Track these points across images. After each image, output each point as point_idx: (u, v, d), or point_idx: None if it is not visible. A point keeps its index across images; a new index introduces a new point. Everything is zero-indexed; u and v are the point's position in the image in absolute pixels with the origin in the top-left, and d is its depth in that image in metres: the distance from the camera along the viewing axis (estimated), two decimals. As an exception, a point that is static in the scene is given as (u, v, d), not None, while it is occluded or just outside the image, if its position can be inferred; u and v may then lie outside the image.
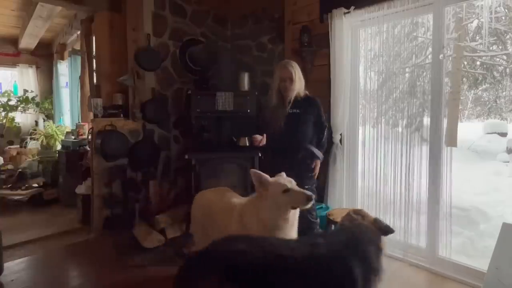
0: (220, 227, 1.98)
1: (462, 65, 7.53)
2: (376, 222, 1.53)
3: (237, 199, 2.03)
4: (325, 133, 2.56)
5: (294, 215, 1.79)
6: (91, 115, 3.43)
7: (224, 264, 1.21)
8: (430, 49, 2.58)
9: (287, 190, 1.70)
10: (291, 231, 1.80)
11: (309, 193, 1.67)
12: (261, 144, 2.47)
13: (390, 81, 2.67)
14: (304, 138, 2.43)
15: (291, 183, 1.76)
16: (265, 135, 2.47)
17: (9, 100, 5.83)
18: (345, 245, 1.33)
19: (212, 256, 1.27)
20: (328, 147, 2.92)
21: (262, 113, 2.57)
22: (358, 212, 1.62)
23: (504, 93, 8.65)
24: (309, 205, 1.71)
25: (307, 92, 2.52)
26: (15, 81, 6.21)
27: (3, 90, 6.05)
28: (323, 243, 1.33)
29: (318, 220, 2.55)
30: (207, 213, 2.09)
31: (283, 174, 1.86)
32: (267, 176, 1.79)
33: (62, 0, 3.42)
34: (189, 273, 1.25)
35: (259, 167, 3.08)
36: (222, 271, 1.18)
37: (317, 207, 2.69)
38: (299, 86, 2.42)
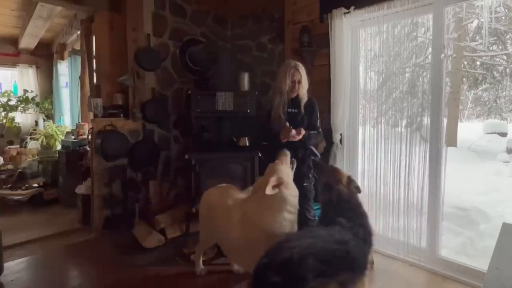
0: (219, 226, 2.01)
1: (462, 65, 7.54)
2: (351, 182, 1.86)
3: (239, 196, 2.07)
4: (316, 138, 2.52)
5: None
6: (91, 115, 3.43)
7: (309, 261, 1.30)
8: (430, 49, 2.57)
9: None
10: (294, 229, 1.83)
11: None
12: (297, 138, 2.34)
13: (390, 81, 2.67)
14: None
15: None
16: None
17: (9, 100, 5.83)
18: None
19: (296, 259, 1.30)
20: (327, 147, 2.93)
21: (265, 112, 2.56)
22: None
23: (504, 93, 8.66)
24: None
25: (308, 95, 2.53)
26: (15, 81, 6.21)
27: (3, 90, 6.05)
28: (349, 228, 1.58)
29: (316, 218, 2.55)
30: (210, 210, 2.14)
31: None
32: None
33: (62, 0, 3.42)
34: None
35: (259, 167, 3.09)
36: (311, 269, 1.29)
37: (315, 206, 2.68)
38: (305, 89, 2.46)
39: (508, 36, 7.45)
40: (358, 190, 1.86)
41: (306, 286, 1.25)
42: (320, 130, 2.58)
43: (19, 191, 4.11)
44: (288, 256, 1.30)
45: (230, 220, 1.92)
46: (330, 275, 1.33)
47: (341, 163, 2.92)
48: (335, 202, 1.77)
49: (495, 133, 7.90)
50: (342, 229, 1.56)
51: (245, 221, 1.83)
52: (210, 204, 2.17)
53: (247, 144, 3.21)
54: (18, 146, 5.50)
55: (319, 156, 2.54)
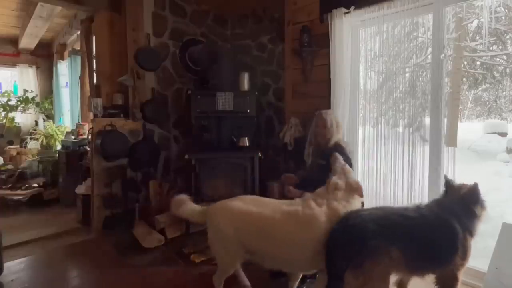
0: (285, 240, 1.78)
1: (462, 65, 7.53)
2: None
3: (289, 206, 1.87)
4: None
5: None
6: (91, 115, 3.43)
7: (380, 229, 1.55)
8: (430, 49, 2.57)
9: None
10: None
11: None
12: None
13: (390, 81, 2.67)
14: None
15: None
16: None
17: (9, 100, 5.83)
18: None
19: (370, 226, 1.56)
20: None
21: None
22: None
23: (504, 93, 8.65)
24: None
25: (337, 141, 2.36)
26: (15, 81, 6.21)
27: (3, 90, 6.05)
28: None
29: None
30: (248, 226, 1.83)
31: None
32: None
33: (62, 0, 3.42)
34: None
35: (259, 167, 3.09)
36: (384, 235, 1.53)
37: None
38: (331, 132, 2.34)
39: (508, 36, 7.44)
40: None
41: (366, 243, 1.52)
42: None
43: (19, 191, 4.11)
44: (353, 222, 1.61)
45: (310, 228, 1.74)
46: (388, 239, 1.53)
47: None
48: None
49: (495, 133, 7.89)
50: (414, 208, 1.70)
51: (334, 219, 1.74)
52: (245, 221, 1.85)
53: (247, 144, 3.21)
54: (18, 146, 5.50)
55: None
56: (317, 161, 2.34)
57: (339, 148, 2.25)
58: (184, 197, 2.07)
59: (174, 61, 3.59)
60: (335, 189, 1.84)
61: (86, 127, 4.22)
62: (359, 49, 2.92)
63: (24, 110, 5.98)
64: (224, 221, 1.86)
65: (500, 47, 7.53)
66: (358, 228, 1.58)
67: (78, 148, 4.05)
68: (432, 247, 1.60)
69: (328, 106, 2.92)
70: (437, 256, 1.62)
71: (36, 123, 5.97)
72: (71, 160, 4.01)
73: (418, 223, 1.60)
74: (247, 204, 1.90)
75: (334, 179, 1.89)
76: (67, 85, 5.86)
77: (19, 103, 5.92)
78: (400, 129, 2.58)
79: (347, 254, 1.56)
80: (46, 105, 6.19)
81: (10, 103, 5.82)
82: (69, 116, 5.77)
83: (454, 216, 1.64)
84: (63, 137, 4.75)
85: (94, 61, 3.80)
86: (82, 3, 3.34)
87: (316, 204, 1.81)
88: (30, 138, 5.48)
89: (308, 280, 2.15)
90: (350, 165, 2.20)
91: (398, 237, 1.56)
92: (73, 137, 4.24)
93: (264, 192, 2.71)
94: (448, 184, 1.82)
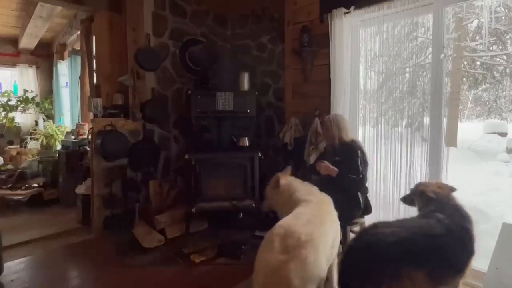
0: None
1: (462, 65, 7.53)
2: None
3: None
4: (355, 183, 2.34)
5: None
6: (91, 115, 3.43)
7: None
8: (430, 49, 2.57)
9: None
10: None
11: None
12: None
13: (390, 81, 2.67)
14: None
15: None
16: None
17: (9, 100, 5.82)
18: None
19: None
20: (327, 147, 2.91)
21: None
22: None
23: (504, 93, 8.66)
24: None
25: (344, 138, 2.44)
26: (15, 81, 6.21)
27: (3, 90, 6.04)
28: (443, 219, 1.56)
29: None
30: None
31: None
32: None
33: (62, 0, 3.42)
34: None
35: (259, 167, 3.09)
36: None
37: None
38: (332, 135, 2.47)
39: (508, 36, 7.44)
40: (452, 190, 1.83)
41: (383, 268, 1.38)
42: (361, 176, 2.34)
43: (19, 191, 4.11)
44: (369, 241, 1.48)
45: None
46: (413, 263, 1.41)
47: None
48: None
49: (495, 133, 7.90)
50: (436, 222, 1.55)
51: None
52: None
53: (247, 144, 3.21)
54: (18, 146, 5.49)
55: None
56: (332, 158, 2.44)
57: (345, 144, 2.40)
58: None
59: (174, 61, 3.59)
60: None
61: (86, 127, 4.22)
62: (359, 49, 2.92)
63: (24, 110, 5.98)
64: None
65: (500, 47, 7.53)
66: (377, 249, 1.44)
67: (78, 148, 4.05)
68: (460, 259, 1.54)
69: (328, 106, 2.92)
70: (462, 266, 1.55)
71: (36, 123, 5.97)
72: (71, 160, 4.01)
73: (446, 242, 1.50)
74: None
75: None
76: (67, 85, 5.86)
77: (19, 103, 5.91)
78: (400, 129, 2.58)
79: (363, 275, 1.43)
80: (46, 105, 6.18)
81: (10, 103, 5.82)
82: (69, 116, 5.77)
83: (464, 218, 1.60)
84: (63, 137, 4.75)
85: (94, 61, 3.80)
86: (82, 3, 3.34)
87: None
88: (30, 138, 5.48)
89: None
90: (354, 157, 2.32)
91: (425, 260, 1.44)
92: (73, 137, 4.24)
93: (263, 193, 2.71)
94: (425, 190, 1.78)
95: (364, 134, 2.88)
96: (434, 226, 1.54)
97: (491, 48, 7.42)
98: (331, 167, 2.33)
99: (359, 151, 2.34)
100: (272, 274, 1.35)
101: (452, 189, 1.79)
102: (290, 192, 1.97)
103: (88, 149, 3.74)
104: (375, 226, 1.59)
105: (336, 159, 2.40)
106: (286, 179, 2.08)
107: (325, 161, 2.38)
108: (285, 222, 1.57)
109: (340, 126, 2.43)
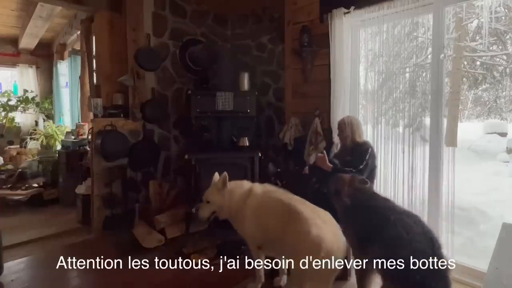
0: None
1: (462, 65, 7.53)
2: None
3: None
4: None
5: None
6: (91, 115, 3.43)
7: None
8: (430, 49, 2.57)
9: None
10: None
11: None
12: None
13: (390, 81, 2.67)
14: None
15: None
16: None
17: (9, 100, 5.83)
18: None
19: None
20: (328, 147, 2.91)
21: None
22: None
23: (504, 93, 8.65)
24: None
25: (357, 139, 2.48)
26: (15, 81, 6.21)
27: (3, 90, 6.05)
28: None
29: None
30: None
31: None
32: None
33: (62, 0, 3.42)
34: None
35: (259, 167, 3.09)
36: None
37: None
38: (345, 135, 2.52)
39: (508, 36, 7.43)
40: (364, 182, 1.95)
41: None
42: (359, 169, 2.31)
43: (19, 191, 4.11)
44: None
45: None
46: None
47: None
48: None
49: (495, 133, 7.89)
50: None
51: None
52: None
53: (247, 144, 3.21)
54: (18, 146, 5.49)
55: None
56: (344, 157, 2.48)
57: (357, 145, 2.45)
58: None
59: (174, 61, 3.59)
60: None
61: (86, 127, 4.22)
62: (359, 49, 2.92)
63: (24, 110, 5.98)
64: None
65: (500, 47, 7.53)
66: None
67: (78, 148, 4.05)
68: None
69: (328, 106, 2.92)
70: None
71: (36, 123, 5.97)
72: (71, 160, 4.01)
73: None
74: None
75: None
76: (67, 85, 5.86)
77: (19, 103, 5.92)
78: (400, 129, 2.58)
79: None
80: (46, 105, 6.19)
81: (10, 103, 5.82)
82: (69, 116, 5.77)
83: None
84: (63, 137, 4.75)
85: (94, 61, 3.80)
86: (82, 3, 3.34)
87: None
88: (30, 138, 5.48)
89: None
90: (360, 159, 2.33)
91: None
92: (73, 137, 4.24)
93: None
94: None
95: (364, 134, 2.88)
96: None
97: (491, 48, 7.41)
98: (327, 162, 2.37)
99: (369, 149, 2.39)
100: (337, 239, 1.67)
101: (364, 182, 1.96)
102: (245, 194, 2.15)
103: (88, 149, 3.75)
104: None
105: (347, 159, 2.44)
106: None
107: (325, 154, 2.43)
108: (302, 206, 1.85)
109: (354, 128, 2.48)
